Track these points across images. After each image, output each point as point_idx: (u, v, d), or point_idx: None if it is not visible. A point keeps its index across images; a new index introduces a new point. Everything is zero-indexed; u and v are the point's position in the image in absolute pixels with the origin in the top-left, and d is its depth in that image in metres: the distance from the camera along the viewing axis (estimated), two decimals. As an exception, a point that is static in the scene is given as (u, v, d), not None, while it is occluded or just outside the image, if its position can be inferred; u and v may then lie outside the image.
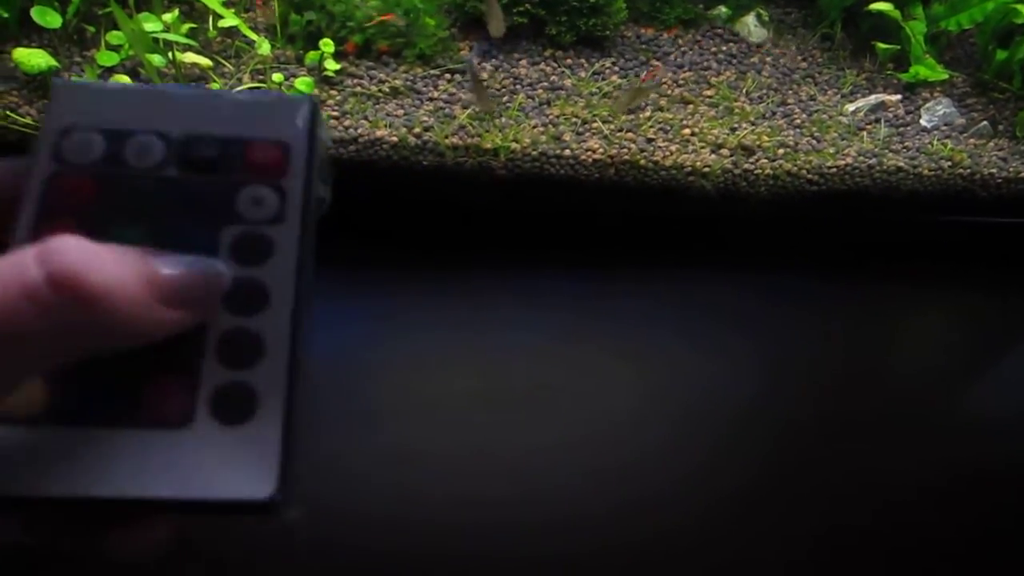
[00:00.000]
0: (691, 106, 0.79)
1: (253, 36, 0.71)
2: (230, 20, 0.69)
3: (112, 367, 0.22)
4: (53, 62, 0.65)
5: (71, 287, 0.20)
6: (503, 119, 0.73)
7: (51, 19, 0.66)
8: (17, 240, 0.25)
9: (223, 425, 0.24)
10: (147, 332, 0.22)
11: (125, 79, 0.65)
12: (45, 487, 0.22)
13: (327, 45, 0.71)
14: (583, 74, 0.80)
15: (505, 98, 0.75)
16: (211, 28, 0.72)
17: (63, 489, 0.22)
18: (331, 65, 0.71)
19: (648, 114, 0.77)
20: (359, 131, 0.69)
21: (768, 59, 0.86)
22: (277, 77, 0.70)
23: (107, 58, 0.67)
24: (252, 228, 0.27)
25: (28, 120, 0.65)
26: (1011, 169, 0.78)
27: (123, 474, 0.23)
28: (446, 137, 0.70)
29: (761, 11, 0.90)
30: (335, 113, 0.70)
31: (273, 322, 0.26)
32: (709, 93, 0.81)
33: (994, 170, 0.78)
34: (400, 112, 0.72)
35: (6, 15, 0.67)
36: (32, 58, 0.65)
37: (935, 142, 0.80)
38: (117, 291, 0.21)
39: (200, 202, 0.27)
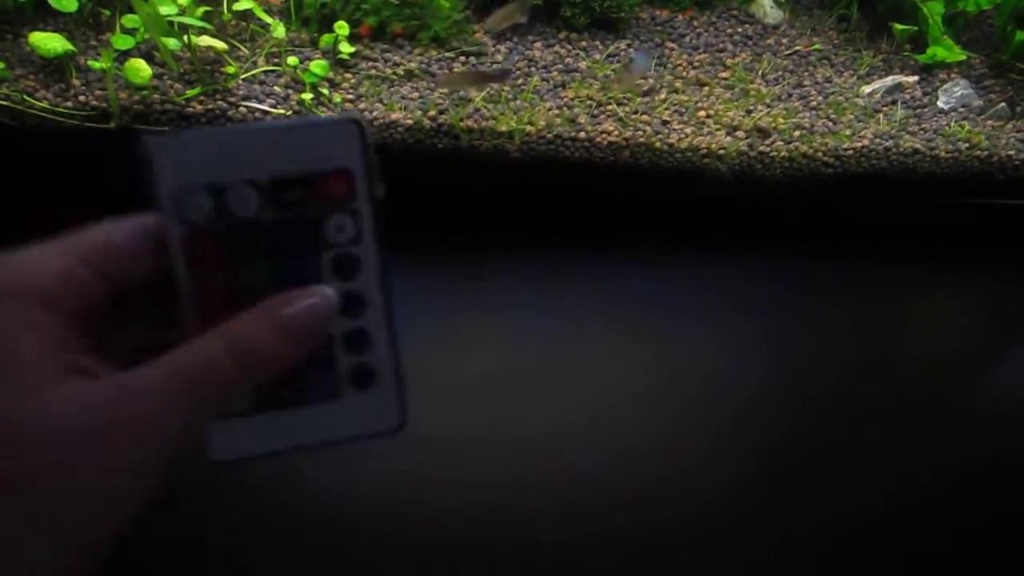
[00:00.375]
0: (706, 88, 0.79)
1: (268, 19, 0.71)
2: (245, 3, 0.69)
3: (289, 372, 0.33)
4: (69, 46, 0.65)
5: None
6: (518, 101, 0.73)
7: (67, 3, 0.66)
8: (177, 279, 0.33)
9: (359, 391, 0.36)
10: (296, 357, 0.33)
11: (142, 62, 0.65)
12: (277, 444, 0.35)
13: (341, 28, 0.71)
14: (598, 56, 0.79)
15: (520, 80, 0.75)
16: (226, 11, 0.72)
17: (286, 444, 0.35)
18: (345, 48, 0.71)
19: (663, 96, 0.76)
20: (374, 114, 0.69)
21: (784, 40, 0.86)
22: (292, 60, 0.70)
23: (122, 41, 0.67)
24: (342, 250, 0.34)
25: (44, 104, 0.65)
26: (1029, 151, 0.78)
27: (315, 429, 0.36)
28: (461, 120, 0.70)
29: (777, -8, 0.89)
30: (350, 96, 0.70)
31: (374, 318, 0.36)
32: (724, 75, 0.80)
33: (1012, 152, 0.77)
34: (415, 95, 0.72)
35: (22, -1, 0.68)
36: (48, 42, 0.65)
37: (952, 124, 0.79)
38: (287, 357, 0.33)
39: (299, 236, 0.34)
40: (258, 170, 0.33)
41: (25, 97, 0.65)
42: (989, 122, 0.80)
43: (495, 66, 0.76)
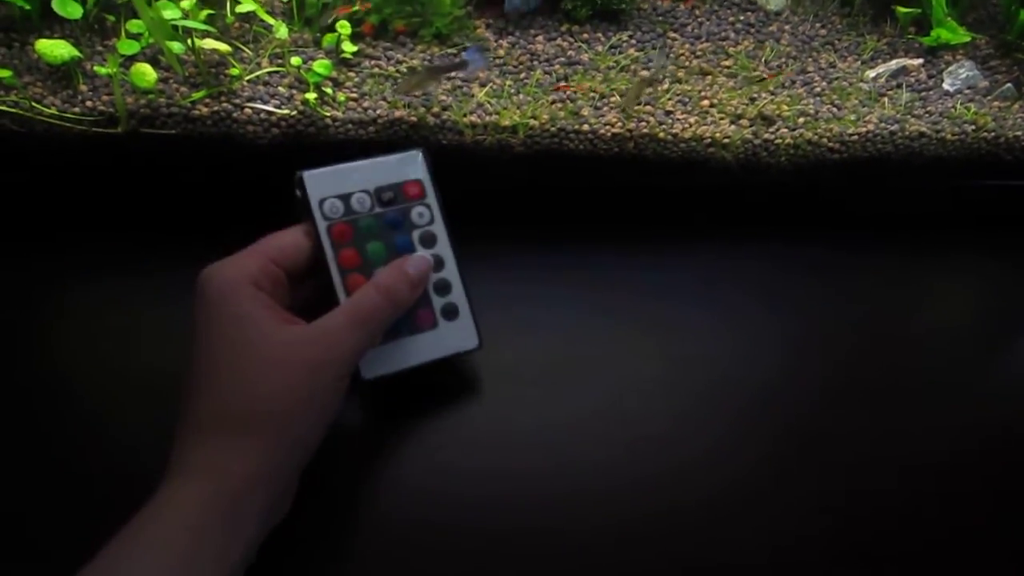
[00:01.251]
0: (709, 77, 0.79)
1: (270, 20, 0.71)
2: (247, 5, 0.70)
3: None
4: (76, 52, 0.66)
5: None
6: (521, 96, 0.73)
7: (72, 10, 0.67)
8: (328, 261, 0.55)
9: (448, 321, 0.58)
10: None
11: (147, 67, 0.66)
12: (402, 364, 0.57)
13: (344, 27, 0.71)
14: (600, 48, 0.79)
15: (522, 75, 0.75)
16: (229, 14, 0.72)
17: (399, 365, 0.57)
18: (348, 47, 0.72)
19: (666, 86, 0.76)
20: (378, 112, 0.70)
21: (787, 27, 0.85)
22: (295, 60, 0.70)
23: (128, 47, 0.68)
24: (424, 229, 0.58)
25: (52, 110, 0.66)
26: (1036, 131, 0.77)
27: (424, 351, 0.58)
28: (464, 116, 0.70)
29: (779, -22, 0.89)
30: (354, 95, 0.71)
31: (450, 271, 0.59)
32: (727, 63, 0.80)
33: (1019, 133, 0.77)
34: (418, 91, 0.72)
35: (28, 7, 0.68)
36: (55, 49, 0.65)
37: (958, 106, 0.79)
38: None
39: (397, 221, 0.57)
40: (368, 184, 0.57)
41: (33, 104, 0.65)
42: (995, 103, 0.80)
43: (492, 60, 0.76)
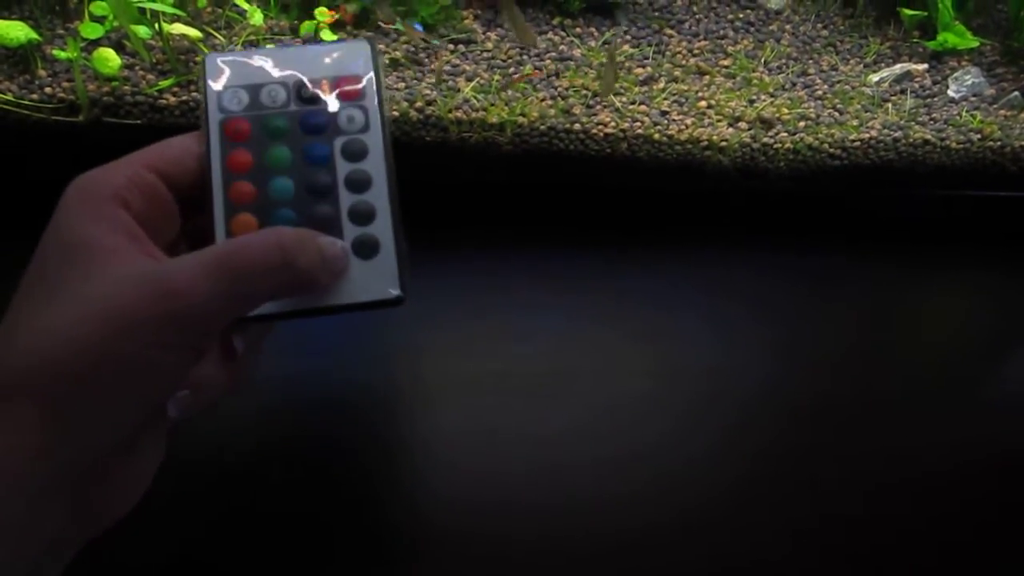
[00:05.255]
0: (707, 77, 0.75)
1: (245, 5, 0.67)
2: (220, -12, 0.66)
3: None
4: (34, 35, 0.62)
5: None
6: (509, 92, 0.69)
7: (31, -12, 0.63)
8: (211, 164, 0.40)
9: (362, 260, 0.40)
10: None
11: (110, 52, 0.62)
12: (292, 306, 0.39)
13: (322, 14, 0.67)
14: (593, 43, 0.76)
15: (511, 70, 0.72)
16: (201, -3, 0.68)
17: (285, 305, 0.39)
18: (327, 36, 0.68)
19: (662, 85, 0.73)
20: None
21: (788, 27, 0.82)
22: (271, 49, 0.66)
23: (91, 30, 0.64)
24: (352, 137, 0.41)
25: (9, 96, 0.62)
26: (1044, 142, 0.74)
27: (323, 294, 0.39)
28: (449, 111, 0.67)
29: (779, -24, 0.86)
30: (332, 86, 0.67)
31: (376, 195, 0.41)
32: (726, 63, 0.77)
33: (1026, 143, 0.74)
34: (401, 85, 0.68)
35: (-16, -15, 0.64)
36: (11, 30, 0.61)
37: (964, 113, 0.76)
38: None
39: (316, 124, 0.41)
40: (287, 74, 0.42)
41: (-13, 89, 0.61)
42: (1002, 111, 0.77)
43: (484, 55, 0.72)
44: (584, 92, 0.70)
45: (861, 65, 0.80)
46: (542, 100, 0.69)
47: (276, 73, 0.42)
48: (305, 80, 0.42)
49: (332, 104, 0.42)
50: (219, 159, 0.40)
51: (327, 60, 0.43)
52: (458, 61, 0.71)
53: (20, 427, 0.33)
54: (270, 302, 0.38)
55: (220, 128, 0.40)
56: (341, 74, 0.42)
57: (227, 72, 0.42)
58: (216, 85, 0.41)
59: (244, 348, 0.42)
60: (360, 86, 0.42)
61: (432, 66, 0.70)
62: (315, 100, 0.42)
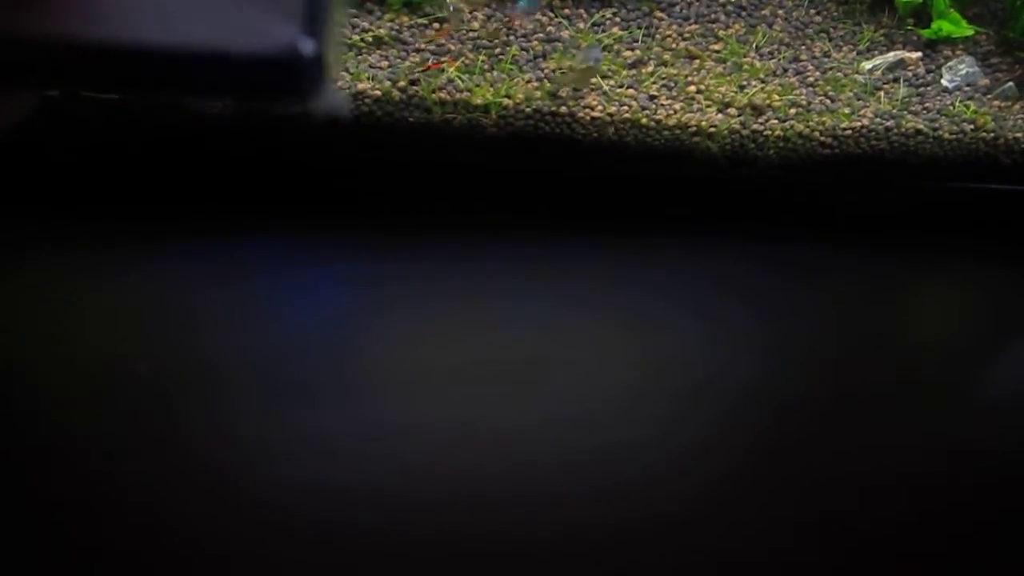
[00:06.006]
0: (697, 61, 0.74)
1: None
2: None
3: None
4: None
5: None
6: (495, 72, 0.68)
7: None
8: None
9: None
10: None
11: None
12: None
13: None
14: (582, 25, 0.74)
15: (497, 50, 0.70)
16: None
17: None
18: None
19: (651, 69, 0.72)
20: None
21: (780, 12, 0.81)
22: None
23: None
24: None
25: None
26: (1037, 133, 0.73)
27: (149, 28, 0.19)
28: (433, 92, 0.65)
29: (773, -40, 0.84)
30: (312, 64, 0.65)
31: None
32: (716, 47, 0.76)
33: (1019, 134, 0.73)
34: (384, 64, 0.67)
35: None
36: None
37: (957, 103, 0.75)
38: None
39: None
40: None
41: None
42: (996, 102, 0.76)
43: (471, 35, 0.71)
44: (571, 75, 0.69)
45: (854, 52, 0.79)
46: (528, 82, 0.68)
47: None
48: None
49: None
50: None
51: None
52: (443, 40, 0.69)
53: None
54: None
55: None
56: None
57: None
58: None
59: None
60: None
61: (417, 45, 0.68)
62: None
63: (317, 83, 0.20)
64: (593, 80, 0.69)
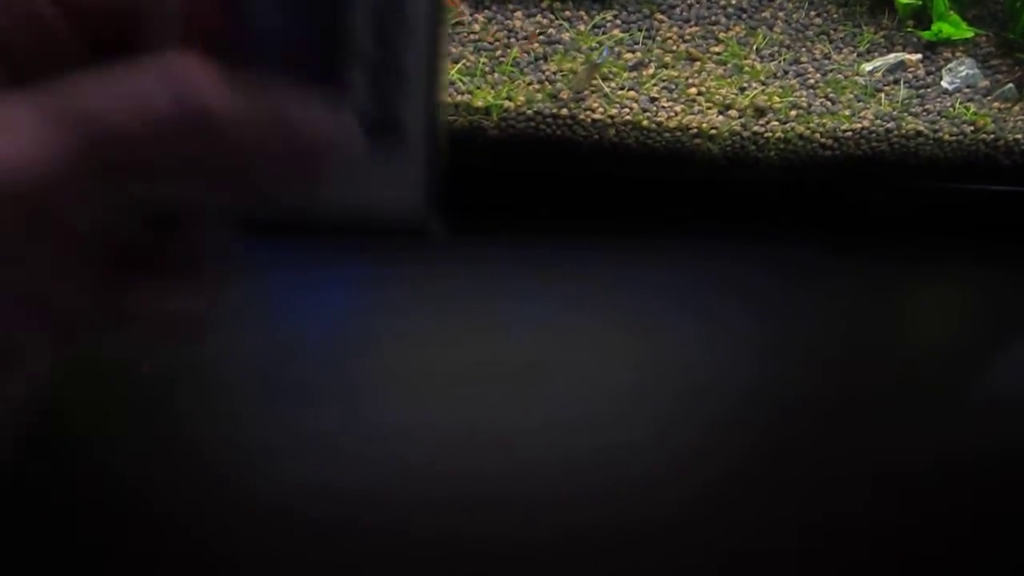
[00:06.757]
0: (697, 63, 0.74)
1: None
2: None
3: None
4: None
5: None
6: (496, 75, 0.68)
7: None
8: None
9: (375, 151, 0.24)
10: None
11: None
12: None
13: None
14: (582, 27, 0.75)
15: (498, 52, 0.70)
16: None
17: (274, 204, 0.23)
18: None
19: (651, 71, 0.72)
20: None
21: (781, 14, 0.81)
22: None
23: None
24: None
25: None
26: (1037, 135, 0.74)
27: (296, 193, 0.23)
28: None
29: (773, -37, 0.85)
30: (314, 66, 0.65)
31: (413, 54, 0.24)
32: (717, 50, 0.76)
33: (1019, 136, 0.73)
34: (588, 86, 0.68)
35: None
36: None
37: (957, 105, 0.75)
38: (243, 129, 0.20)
39: None
40: None
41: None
42: (996, 103, 0.76)
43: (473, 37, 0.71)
44: (572, 76, 0.69)
45: (854, 54, 0.79)
46: (529, 84, 0.68)
47: None
48: None
49: None
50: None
51: None
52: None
53: None
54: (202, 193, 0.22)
55: None
56: None
57: None
58: None
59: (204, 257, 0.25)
60: None
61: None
62: None
63: (428, 232, 0.25)
64: (595, 81, 0.69)
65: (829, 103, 0.73)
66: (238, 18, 0.23)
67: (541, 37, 0.72)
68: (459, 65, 0.68)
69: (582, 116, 0.67)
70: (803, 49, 0.78)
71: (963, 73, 0.78)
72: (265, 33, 0.23)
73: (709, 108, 0.70)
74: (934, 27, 0.79)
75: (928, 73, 0.78)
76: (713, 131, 0.69)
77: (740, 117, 0.70)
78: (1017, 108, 0.76)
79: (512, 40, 0.72)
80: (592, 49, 0.72)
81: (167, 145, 0.19)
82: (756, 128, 0.70)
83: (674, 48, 0.75)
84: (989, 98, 0.77)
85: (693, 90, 0.71)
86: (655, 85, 0.71)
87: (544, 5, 0.75)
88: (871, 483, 0.61)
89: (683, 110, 0.69)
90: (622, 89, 0.70)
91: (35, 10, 0.22)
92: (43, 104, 0.19)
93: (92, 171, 0.19)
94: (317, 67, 0.24)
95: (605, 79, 0.70)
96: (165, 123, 0.19)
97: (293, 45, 0.23)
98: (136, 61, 0.19)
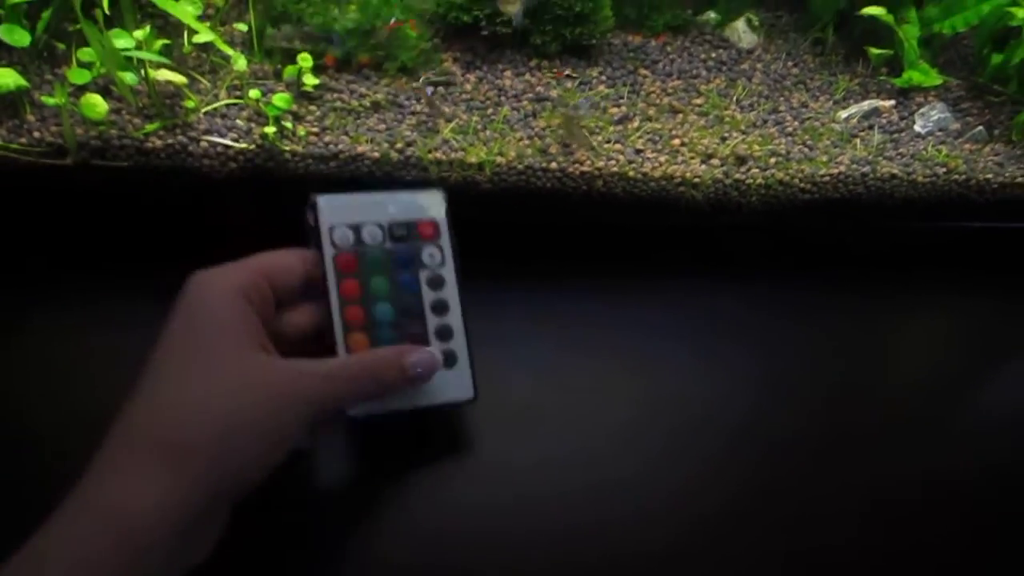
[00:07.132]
0: (680, 115, 0.77)
1: (229, 51, 0.69)
2: (205, 35, 0.67)
3: None
4: (22, 81, 0.63)
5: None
6: (487, 132, 0.71)
7: (19, 37, 0.64)
8: (329, 291, 0.52)
9: (446, 369, 0.54)
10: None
11: (97, 98, 0.63)
12: (393, 405, 0.53)
13: (305, 60, 0.69)
14: (570, 84, 0.78)
15: (489, 110, 0.74)
16: (186, 43, 0.70)
17: (388, 406, 0.53)
18: (310, 80, 0.69)
19: (636, 124, 0.75)
20: (340, 147, 0.67)
21: (759, 65, 0.85)
22: (254, 93, 0.68)
23: (78, 76, 0.65)
24: (433, 270, 0.56)
25: (-2, 141, 0.63)
26: (1007, 174, 0.77)
27: (419, 396, 0.54)
28: (429, 152, 0.69)
29: (751, 16, 0.88)
30: (315, 129, 0.68)
31: (454, 316, 0.55)
32: (699, 101, 0.79)
33: (990, 175, 0.76)
34: (382, 127, 0.70)
35: (-27, 33, 0.66)
36: (1, 77, 0.63)
37: (930, 148, 0.78)
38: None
39: (406, 259, 0.55)
40: (381, 216, 0.55)
41: (-24, 135, 0.63)
42: (967, 145, 0.79)
43: (464, 96, 0.74)
44: (561, 131, 0.72)
45: (830, 102, 0.82)
46: (520, 140, 0.71)
47: (373, 215, 0.54)
48: (396, 222, 0.54)
49: (417, 243, 0.55)
50: (334, 287, 0.52)
51: (410, 205, 0.55)
52: (438, 103, 0.73)
53: (155, 486, 0.40)
54: (376, 405, 0.52)
55: (333, 262, 0.52)
56: (421, 217, 0.55)
57: (334, 212, 0.53)
58: (327, 223, 0.53)
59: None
60: (437, 228, 0.56)
61: (412, 108, 0.72)
62: (404, 239, 0.55)
63: (468, 403, 0.56)
64: (588, 135, 0.72)
65: (807, 149, 0.76)
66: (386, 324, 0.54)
67: (530, 95, 0.76)
68: (452, 124, 0.71)
69: (571, 169, 0.70)
70: (781, 98, 0.82)
71: (935, 117, 0.81)
72: (396, 320, 0.54)
73: (692, 158, 0.73)
74: (905, 75, 0.82)
75: (902, 118, 0.81)
76: (696, 179, 0.72)
77: (722, 165, 0.73)
78: (987, 149, 0.79)
79: (502, 98, 0.75)
80: (576, 107, 0.75)
81: (393, 384, 0.51)
82: (738, 175, 0.73)
83: (657, 101, 0.78)
84: (960, 140, 0.80)
85: (676, 141, 0.74)
86: (640, 137, 0.74)
87: (532, 64, 0.79)
88: (865, 518, 0.62)
89: (667, 160, 0.72)
90: (608, 142, 0.72)
91: (266, 294, 0.50)
92: (360, 362, 0.51)
93: (361, 393, 0.51)
94: (418, 333, 0.54)
95: (592, 133, 0.73)
96: (397, 377, 0.51)
97: (407, 326, 0.54)
98: (385, 349, 0.52)
